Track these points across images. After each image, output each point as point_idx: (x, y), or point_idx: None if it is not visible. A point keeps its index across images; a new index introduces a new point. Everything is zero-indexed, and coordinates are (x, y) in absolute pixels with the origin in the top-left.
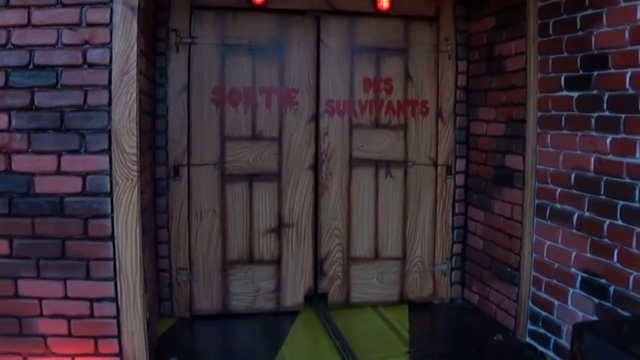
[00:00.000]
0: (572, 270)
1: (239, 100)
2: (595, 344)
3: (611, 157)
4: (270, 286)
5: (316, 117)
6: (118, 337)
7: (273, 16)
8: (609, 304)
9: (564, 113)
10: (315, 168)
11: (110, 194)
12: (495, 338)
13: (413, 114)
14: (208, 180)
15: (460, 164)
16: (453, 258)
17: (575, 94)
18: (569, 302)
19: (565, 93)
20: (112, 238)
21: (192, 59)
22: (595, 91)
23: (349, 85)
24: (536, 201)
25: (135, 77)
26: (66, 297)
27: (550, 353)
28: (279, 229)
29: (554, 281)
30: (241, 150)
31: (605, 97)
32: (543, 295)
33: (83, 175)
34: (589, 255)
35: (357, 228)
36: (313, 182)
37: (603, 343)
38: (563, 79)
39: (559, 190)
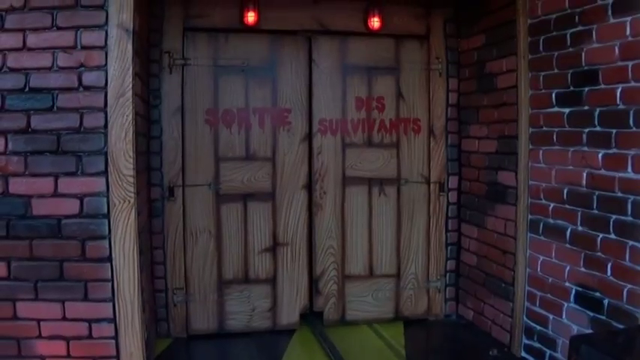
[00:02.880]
0: (567, 284)
1: (232, 120)
2: (592, 356)
3: (603, 171)
4: (265, 305)
5: (309, 136)
6: (117, 357)
7: (265, 36)
8: (604, 317)
9: (556, 129)
10: (309, 187)
11: (107, 215)
12: (491, 353)
13: (405, 132)
14: (203, 200)
15: (453, 181)
16: (447, 274)
17: (567, 110)
18: (564, 316)
19: (556, 109)
20: (109, 259)
21: (186, 80)
22: (586, 107)
23: (341, 104)
24: (530, 216)
25: (130, 99)
26: (64, 318)
27: None
28: (274, 248)
29: (549, 295)
30: (235, 170)
31: (596, 113)
32: (538, 310)
33: (80, 197)
34: (583, 269)
35: (352, 246)
36: (307, 201)
37: (600, 355)
38: (554, 95)
39: (552, 205)
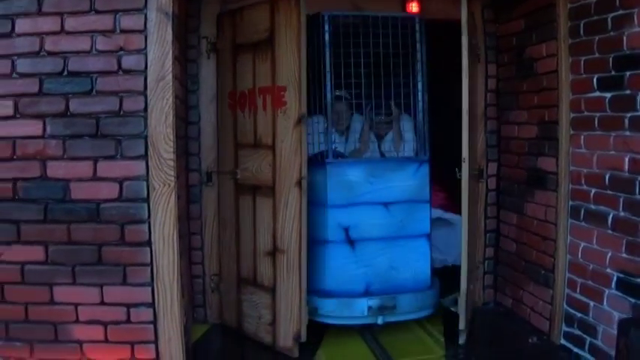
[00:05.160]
0: (608, 270)
1: (245, 103)
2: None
3: None
4: (268, 317)
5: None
6: (155, 342)
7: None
8: None
9: (597, 114)
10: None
11: (147, 199)
12: (530, 341)
13: None
14: (228, 189)
15: (492, 168)
16: (486, 262)
17: (608, 95)
18: (605, 303)
19: (598, 94)
20: (149, 243)
21: (219, 65)
22: (628, 91)
23: None
24: (570, 202)
25: (170, 83)
26: (102, 303)
27: (585, 354)
28: (273, 253)
29: (590, 282)
30: (248, 158)
31: (639, 97)
32: (578, 297)
33: (120, 181)
34: (624, 255)
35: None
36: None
37: None
38: (595, 80)
39: (593, 191)
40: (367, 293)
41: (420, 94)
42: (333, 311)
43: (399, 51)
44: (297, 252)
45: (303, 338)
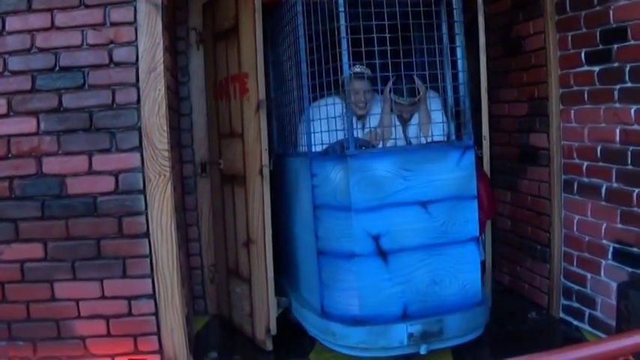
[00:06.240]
0: (604, 241)
1: (222, 92)
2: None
3: (636, 126)
4: (248, 308)
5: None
6: (158, 334)
7: None
8: None
9: (586, 88)
10: None
11: (143, 191)
12: (529, 316)
13: None
14: (216, 180)
15: (484, 146)
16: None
17: (597, 68)
18: (602, 274)
19: (586, 68)
20: (147, 235)
21: (205, 55)
22: (616, 64)
23: None
24: (564, 177)
25: (162, 74)
26: (103, 297)
27: (586, 327)
28: (248, 242)
29: (586, 254)
30: (227, 148)
31: (627, 69)
32: (575, 270)
33: (115, 174)
34: (619, 225)
35: None
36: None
37: None
38: (583, 54)
39: (585, 164)
40: (405, 317)
41: (460, 61)
42: (364, 342)
43: (424, 10)
44: (262, 241)
45: (273, 331)
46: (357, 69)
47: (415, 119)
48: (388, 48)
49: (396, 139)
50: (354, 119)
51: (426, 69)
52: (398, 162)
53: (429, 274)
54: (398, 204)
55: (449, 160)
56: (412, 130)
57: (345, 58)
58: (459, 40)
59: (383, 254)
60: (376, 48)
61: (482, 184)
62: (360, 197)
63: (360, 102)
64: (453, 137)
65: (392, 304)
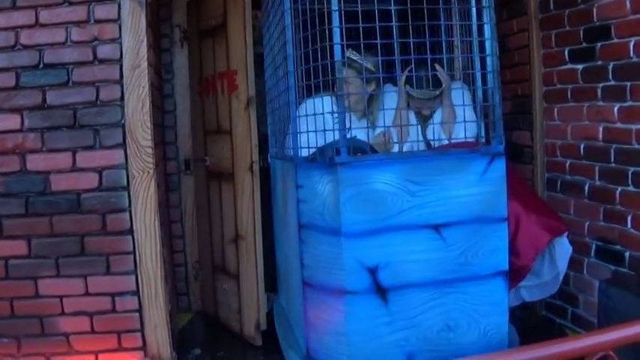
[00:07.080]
0: (586, 239)
1: (209, 89)
2: (621, 297)
3: (619, 124)
4: (235, 305)
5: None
6: (141, 330)
7: None
8: (626, 270)
9: (570, 86)
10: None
11: (127, 188)
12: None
13: None
14: (201, 177)
15: None
16: None
17: (580, 66)
18: (585, 272)
19: (570, 66)
20: (131, 231)
21: (190, 52)
22: (599, 62)
23: None
24: (547, 174)
25: (146, 70)
26: (87, 293)
27: (568, 324)
28: (236, 240)
29: None
30: (214, 145)
31: (610, 67)
32: None
33: (99, 171)
34: (602, 223)
35: None
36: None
37: (629, 295)
38: (566, 52)
39: (569, 161)
40: None
41: (489, 42)
42: None
43: None
44: (252, 237)
45: (263, 327)
46: (353, 56)
47: (437, 117)
48: (394, 23)
49: (415, 141)
50: (357, 117)
51: (448, 52)
52: (404, 172)
53: (442, 316)
54: (403, 227)
55: (471, 171)
56: (433, 131)
57: (336, 37)
58: (487, 16)
59: (382, 291)
60: (378, 25)
61: (520, 204)
62: (353, 218)
63: (356, 96)
64: (483, 140)
65: (392, 355)
